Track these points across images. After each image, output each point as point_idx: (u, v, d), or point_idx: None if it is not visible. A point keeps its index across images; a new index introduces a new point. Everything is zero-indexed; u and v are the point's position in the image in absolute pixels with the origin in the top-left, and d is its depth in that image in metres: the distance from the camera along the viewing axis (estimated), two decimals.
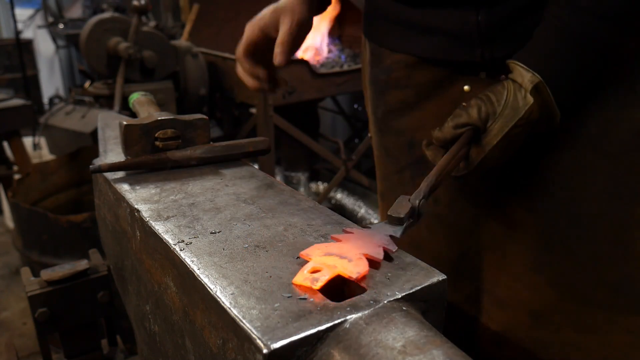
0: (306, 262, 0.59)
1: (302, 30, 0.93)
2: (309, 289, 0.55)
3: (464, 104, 0.74)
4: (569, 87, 0.72)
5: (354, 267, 0.57)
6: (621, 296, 0.78)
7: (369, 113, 1.02)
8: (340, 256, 0.59)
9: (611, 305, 0.79)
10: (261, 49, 0.97)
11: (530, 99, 0.70)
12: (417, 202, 0.67)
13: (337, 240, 0.64)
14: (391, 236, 0.64)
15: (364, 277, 0.57)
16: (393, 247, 0.62)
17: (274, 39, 0.93)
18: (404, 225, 0.66)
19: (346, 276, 0.56)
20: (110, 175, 0.89)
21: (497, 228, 0.84)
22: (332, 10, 3.34)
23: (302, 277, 0.56)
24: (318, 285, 0.55)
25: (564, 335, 0.81)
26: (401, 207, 0.66)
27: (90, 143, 2.90)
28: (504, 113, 0.71)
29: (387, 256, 0.62)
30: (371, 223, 0.68)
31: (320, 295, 0.54)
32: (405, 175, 0.95)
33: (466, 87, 0.83)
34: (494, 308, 0.87)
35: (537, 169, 0.79)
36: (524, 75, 0.70)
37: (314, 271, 0.57)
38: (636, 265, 0.77)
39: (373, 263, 0.60)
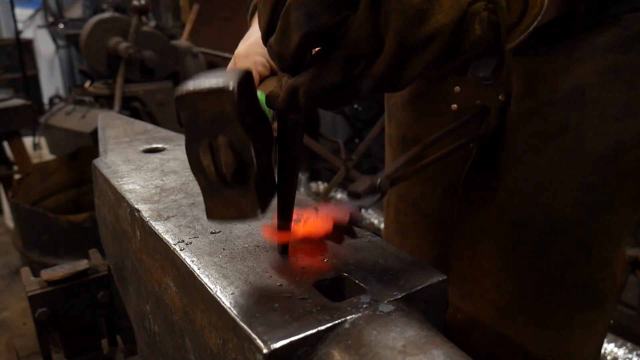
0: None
1: None
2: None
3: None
4: None
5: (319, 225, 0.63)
6: (583, 295, 0.81)
7: (385, 98, 1.04)
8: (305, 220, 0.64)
9: (572, 303, 0.81)
10: None
11: None
12: (378, 180, 0.69)
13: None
14: (360, 206, 0.67)
15: (327, 234, 0.63)
16: (359, 216, 0.66)
17: None
18: (373, 198, 0.69)
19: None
20: (110, 175, 0.89)
21: (470, 226, 0.86)
22: None
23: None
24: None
25: (526, 331, 0.83)
26: (361, 184, 0.70)
27: (90, 143, 2.91)
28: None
29: (352, 232, 0.66)
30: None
31: (320, 295, 0.54)
32: None
33: (456, 88, 0.83)
34: (462, 300, 0.89)
35: (513, 174, 0.79)
36: None
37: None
38: (598, 267, 0.80)
39: (340, 228, 0.65)
